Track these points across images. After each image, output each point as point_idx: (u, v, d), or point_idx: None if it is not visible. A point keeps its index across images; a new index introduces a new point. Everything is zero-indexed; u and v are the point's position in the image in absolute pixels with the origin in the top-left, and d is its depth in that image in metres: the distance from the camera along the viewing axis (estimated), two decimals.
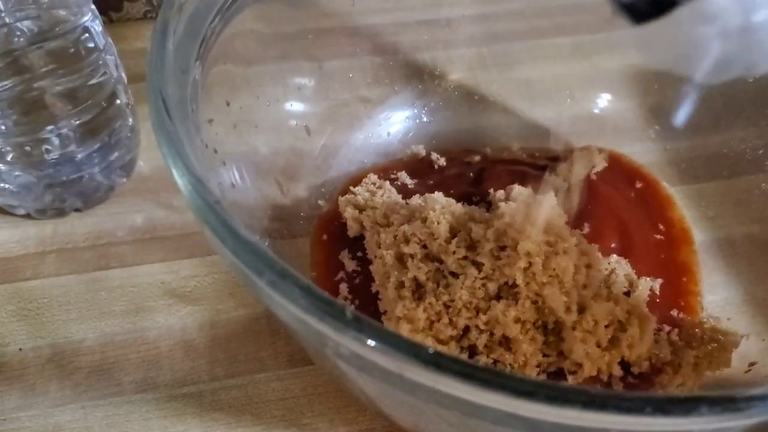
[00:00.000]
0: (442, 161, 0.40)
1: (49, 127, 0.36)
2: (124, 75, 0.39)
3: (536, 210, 0.34)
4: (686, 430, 0.19)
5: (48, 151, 0.37)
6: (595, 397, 0.18)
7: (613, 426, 0.19)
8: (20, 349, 0.35)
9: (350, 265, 0.36)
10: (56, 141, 0.37)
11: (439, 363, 0.18)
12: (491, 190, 0.37)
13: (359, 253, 0.36)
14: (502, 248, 0.32)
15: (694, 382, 0.32)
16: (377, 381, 0.21)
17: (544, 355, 0.32)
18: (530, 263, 0.31)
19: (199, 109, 0.28)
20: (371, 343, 0.19)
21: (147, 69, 0.26)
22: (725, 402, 0.18)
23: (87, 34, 0.35)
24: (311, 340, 0.23)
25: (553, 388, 0.18)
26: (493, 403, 0.19)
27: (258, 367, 0.34)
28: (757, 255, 0.37)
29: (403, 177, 0.39)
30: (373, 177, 0.39)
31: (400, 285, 0.33)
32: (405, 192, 0.38)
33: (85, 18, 0.35)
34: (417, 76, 0.43)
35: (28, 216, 0.40)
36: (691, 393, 0.31)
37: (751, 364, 0.31)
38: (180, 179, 0.23)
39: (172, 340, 0.35)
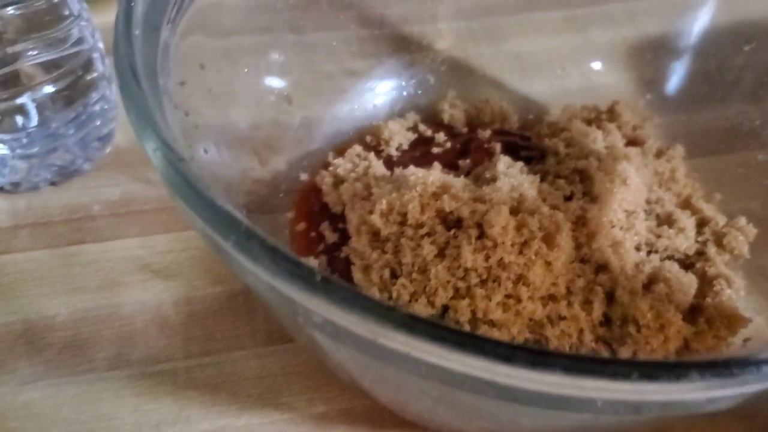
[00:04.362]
0: (429, 133, 0.39)
1: (24, 95, 0.35)
2: (101, 44, 0.38)
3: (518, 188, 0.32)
4: (678, 400, 0.18)
5: (22, 120, 0.35)
6: (576, 361, 0.16)
7: (597, 395, 0.18)
8: None
9: (331, 238, 0.34)
10: (31, 109, 0.35)
11: (412, 324, 0.17)
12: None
13: (341, 225, 0.34)
14: (480, 231, 0.30)
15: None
16: (353, 351, 0.20)
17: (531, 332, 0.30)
18: (505, 246, 0.29)
19: (170, 70, 0.27)
20: (342, 308, 0.18)
21: (115, 24, 0.25)
22: (718, 367, 0.17)
23: None
24: (284, 310, 0.22)
25: (532, 351, 0.16)
26: (468, 369, 0.18)
27: (235, 344, 0.33)
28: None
29: (389, 149, 0.38)
30: (358, 148, 0.37)
31: (368, 269, 0.31)
32: (390, 164, 0.37)
33: None
34: (404, 48, 0.42)
35: (1, 189, 0.38)
36: (681, 359, 0.30)
37: (746, 340, 0.30)
38: (144, 140, 0.22)
39: (147, 315, 0.34)
